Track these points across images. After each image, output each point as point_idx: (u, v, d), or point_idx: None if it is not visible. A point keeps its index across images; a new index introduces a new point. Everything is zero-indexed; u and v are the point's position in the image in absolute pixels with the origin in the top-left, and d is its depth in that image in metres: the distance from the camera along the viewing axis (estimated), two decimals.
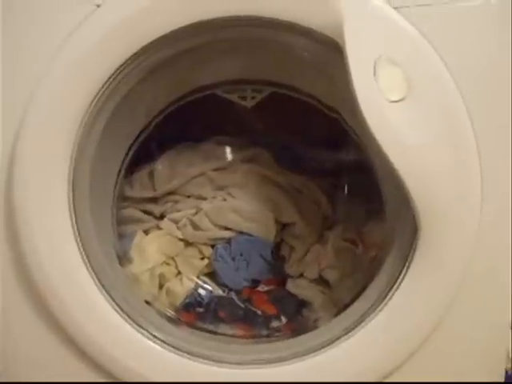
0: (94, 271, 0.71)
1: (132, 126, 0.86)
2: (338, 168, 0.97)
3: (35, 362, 0.76)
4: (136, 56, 0.67)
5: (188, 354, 0.72)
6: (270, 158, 0.98)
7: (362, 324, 0.70)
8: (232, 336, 0.84)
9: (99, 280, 0.71)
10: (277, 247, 0.97)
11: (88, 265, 0.71)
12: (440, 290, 0.68)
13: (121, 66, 0.67)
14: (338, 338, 0.70)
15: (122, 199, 0.93)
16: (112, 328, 0.71)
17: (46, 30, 0.66)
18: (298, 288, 0.92)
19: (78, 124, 0.67)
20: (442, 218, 0.66)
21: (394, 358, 0.71)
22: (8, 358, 0.76)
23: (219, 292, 0.94)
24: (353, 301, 0.76)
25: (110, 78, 0.67)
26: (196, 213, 0.95)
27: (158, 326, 0.74)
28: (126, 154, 0.87)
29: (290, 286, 0.93)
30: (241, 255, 0.94)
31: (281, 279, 0.95)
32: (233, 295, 0.93)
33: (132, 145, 0.87)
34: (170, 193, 0.97)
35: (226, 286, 0.94)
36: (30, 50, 0.67)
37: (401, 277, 0.69)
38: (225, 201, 0.96)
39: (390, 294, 0.69)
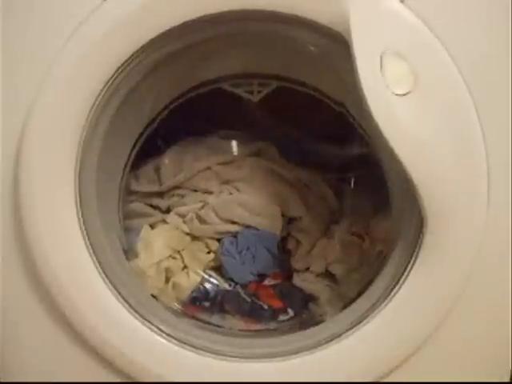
0: (100, 265, 0.71)
1: (138, 121, 0.86)
2: (344, 162, 0.97)
3: (39, 355, 0.76)
4: (142, 50, 0.67)
5: (194, 347, 0.72)
6: (276, 152, 0.98)
7: (368, 319, 0.70)
8: (238, 330, 0.85)
9: (105, 274, 0.72)
10: (283, 241, 0.97)
11: (94, 259, 0.71)
12: (446, 285, 0.68)
13: (126, 60, 0.67)
14: (343, 333, 0.70)
15: (129, 193, 0.93)
16: (118, 321, 0.72)
17: (50, 27, 0.66)
18: (305, 282, 0.92)
19: (84, 119, 0.67)
20: (449, 212, 0.65)
21: (399, 354, 0.70)
22: (11, 351, 0.77)
23: (225, 286, 0.94)
24: (359, 295, 0.75)
25: (115, 72, 0.67)
26: (202, 207, 0.95)
27: (163, 320, 0.75)
28: (132, 149, 0.87)
29: (297, 280, 0.93)
30: (247, 249, 0.94)
31: (287, 273, 0.95)
32: (239, 289, 0.93)
33: (138, 139, 0.87)
34: (176, 187, 0.97)
35: (233, 280, 0.94)
36: (35, 46, 0.66)
37: (406, 272, 0.69)
38: (231, 195, 0.96)
39: (396, 289, 0.69)
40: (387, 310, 0.69)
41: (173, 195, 0.97)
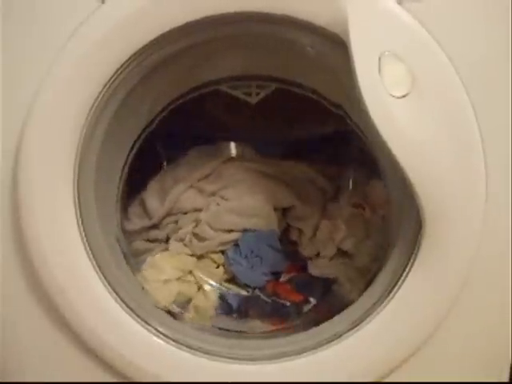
0: (99, 267, 0.71)
1: (136, 123, 0.86)
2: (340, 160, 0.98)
3: (38, 356, 0.76)
4: (141, 52, 0.67)
5: (191, 348, 0.72)
6: (252, 151, 0.99)
7: (368, 319, 0.70)
8: (263, 332, 0.84)
9: (104, 275, 0.72)
10: (286, 234, 0.96)
11: (93, 261, 0.71)
12: (445, 285, 0.68)
13: (125, 62, 0.67)
14: (343, 333, 0.71)
15: (127, 235, 0.91)
16: (116, 323, 0.71)
17: (50, 28, 0.66)
18: (319, 268, 0.91)
19: (84, 119, 0.68)
20: (447, 213, 0.66)
21: (399, 354, 0.71)
22: (10, 352, 0.77)
23: (244, 293, 0.93)
24: (378, 269, 0.75)
25: (115, 73, 0.67)
26: (196, 225, 0.94)
27: (162, 322, 0.75)
28: (131, 150, 0.87)
29: (311, 267, 0.92)
30: (251, 252, 0.93)
31: (301, 264, 0.95)
32: (258, 293, 0.92)
33: (136, 141, 0.87)
34: (168, 214, 0.95)
35: (249, 286, 0.93)
36: (34, 47, 0.67)
37: (406, 272, 0.69)
38: (218, 205, 0.95)
39: (395, 289, 0.69)
40: (387, 310, 0.69)
41: (167, 224, 0.96)
